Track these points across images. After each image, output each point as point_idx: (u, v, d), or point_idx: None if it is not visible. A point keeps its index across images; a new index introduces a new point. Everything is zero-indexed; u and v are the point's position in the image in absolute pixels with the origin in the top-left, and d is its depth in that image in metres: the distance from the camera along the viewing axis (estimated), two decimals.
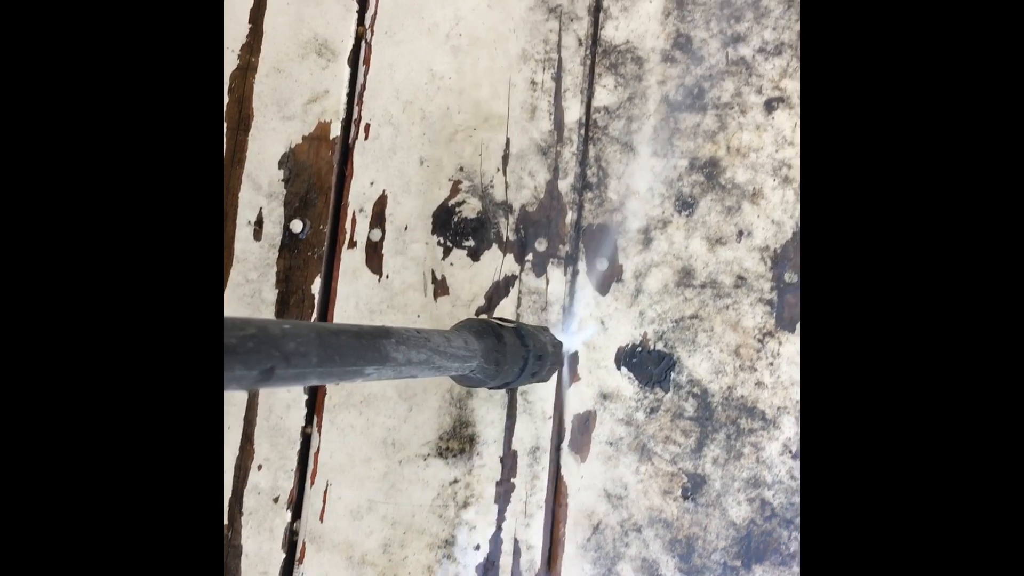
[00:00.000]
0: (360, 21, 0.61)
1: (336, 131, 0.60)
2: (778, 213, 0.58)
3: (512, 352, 0.43)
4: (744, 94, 0.59)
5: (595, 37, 0.60)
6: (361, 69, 0.61)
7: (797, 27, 0.60)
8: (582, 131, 0.60)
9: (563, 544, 0.56)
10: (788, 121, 0.59)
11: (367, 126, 0.60)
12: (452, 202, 0.59)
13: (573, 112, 0.60)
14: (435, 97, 0.60)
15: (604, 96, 0.60)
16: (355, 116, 0.60)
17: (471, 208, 0.59)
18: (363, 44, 0.60)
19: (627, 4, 0.60)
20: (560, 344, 0.51)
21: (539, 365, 0.46)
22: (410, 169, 0.60)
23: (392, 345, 0.33)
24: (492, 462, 0.57)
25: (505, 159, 0.60)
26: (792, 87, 0.59)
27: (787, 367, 0.55)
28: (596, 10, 0.60)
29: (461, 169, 0.59)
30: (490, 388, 0.45)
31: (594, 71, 0.61)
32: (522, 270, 0.59)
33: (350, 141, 0.60)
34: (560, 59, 0.61)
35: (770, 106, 0.59)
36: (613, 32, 0.60)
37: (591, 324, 0.57)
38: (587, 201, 0.59)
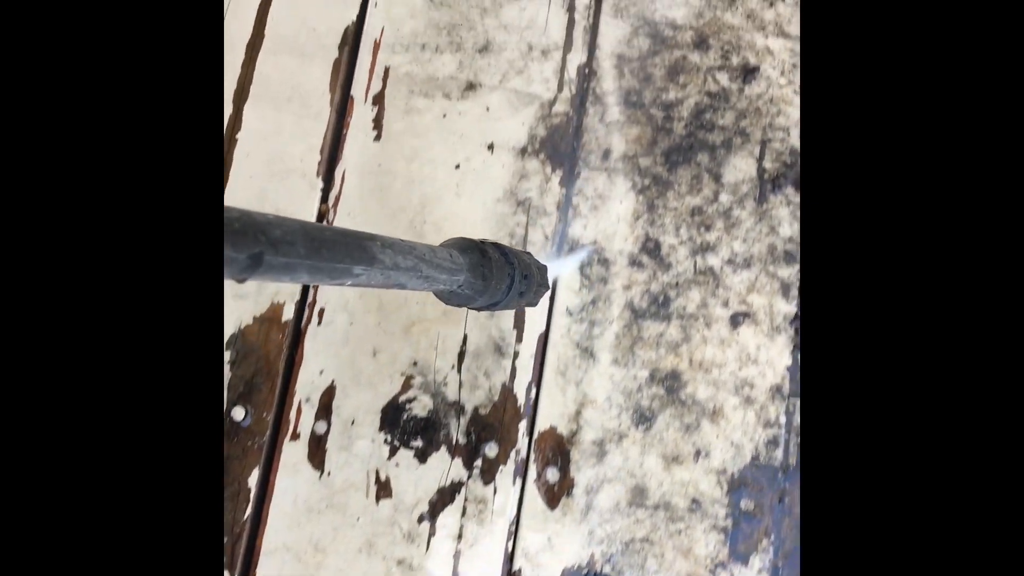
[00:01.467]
0: (324, 199, 0.60)
1: (289, 313, 0.58)
2: (738, 435, 0.56)
3: (498, 268, 0.43)
4: (710, 306, 0.58)
5: (563, 235, 0.59)
6: None
7: (768, 240, 0.59)
8: (543, 334, 0.58)
9: None
10: (753, 338, 0.58)
11: (321, 310, 0.58)
12: (403, 398, 0.57)
13: (534, 315, 0.59)
14: None
15: (568, 297, 0.59)
16: (310, 299, 0.58)
17: (422, 406, 0.57)
18: (324, 223, 0.59)
19: (597, 203, 0.60)
20: (545, 268, 0.50)
21: (526, 284, 0.46)
22: (362, 359, 0.58)
23: (378, 247, 0.33)
24: None
25: (461, 356, 0.58)
26: (759, 302, 0.58)
27: None
28: (565, 206, 0.60)
29: (415, 363, 0.58)
30: (479, 309, 0.44)
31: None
32: (470, 476, 0.56)
33: (302, 325, 0.58)
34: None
35: (736, 320, 0.58)
36: (581, 231, 0.59)
37: (578, 251, 0.59)
38: (543, 407, 0.57)
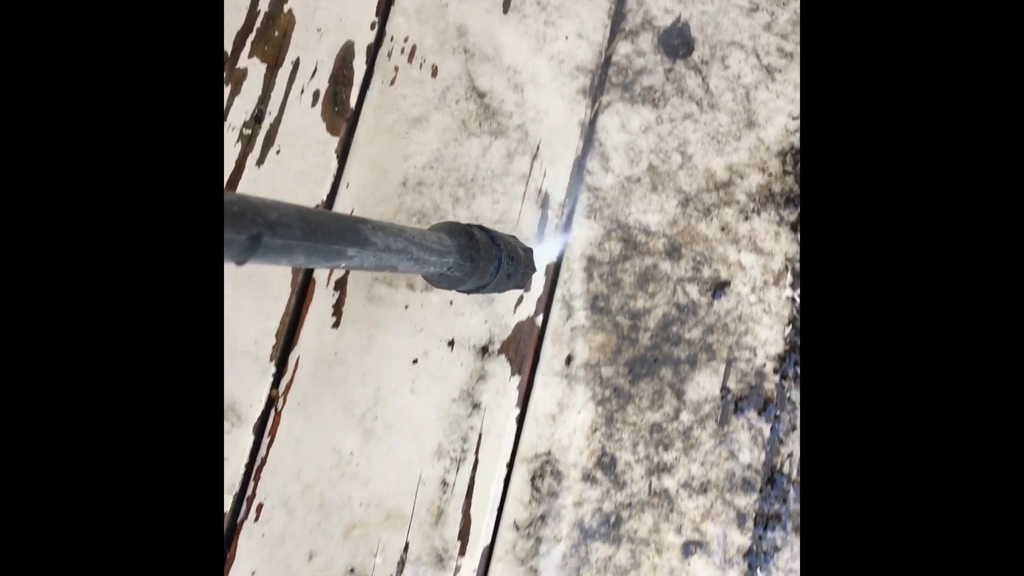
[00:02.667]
0: (275, 383, 0.58)
1: (226, 506, 0.56)
2: None
3: (485, 250, 0.44)
4: (663, 531, 0.56)
5: (515, 445, 0.58)
6: (265, 440, 0.57)
7: (727, 466, 0.58)
8: (487, 547, 0.56)
9: None
10: (704, 570, 0.55)
11: (260, 506, 0.56)
12: None
13: (480, 527, 0.57)
14: (338, 483, 0.57)
15: (516, 510, 0.57)
16: (249, 492, 0.56)
17: None
18: (273, 410, 0.57)
19: (555, 412, 0.58)
20: (531, 250, 0.51)
21: (513, 266, 0.47)
22: (297, 563, 0.55)
23: (370, 230, 0.33)
24: None
25: (401, 565, 0.56)
26: (713, 532, 0.56)
27: None
28: (520, 419, 0.58)
29: (352, 571, 0.55)
30: (468, 292, 0.46)
31: (509, 481, 0.58)
32: None
33: (238, 520, 0.56)
34: (477, 459, 0.58)
35: (688, 550, 0.56)
36: (535, 439, 0.58)
37: (560, 235, 0.61)
38: None
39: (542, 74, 0.64)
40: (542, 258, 0.61)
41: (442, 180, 0.62)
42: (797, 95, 0.63)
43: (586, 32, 0.65)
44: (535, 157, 0.63)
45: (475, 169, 0.62)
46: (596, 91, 0.64)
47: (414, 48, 0.64)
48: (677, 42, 0.64)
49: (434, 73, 0.64)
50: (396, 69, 0.64)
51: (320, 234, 0.29)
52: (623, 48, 0.64)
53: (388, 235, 0.35)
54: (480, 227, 0.46)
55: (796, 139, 0.63)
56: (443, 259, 0.40)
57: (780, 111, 0.63)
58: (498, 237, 0.46)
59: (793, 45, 0.64)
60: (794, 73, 0.64)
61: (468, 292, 0.46)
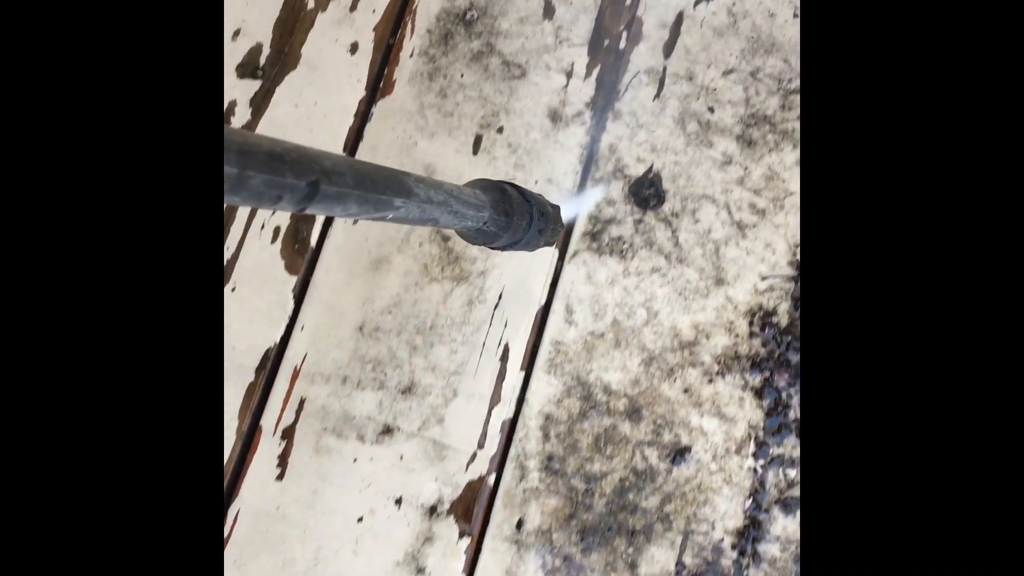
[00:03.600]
0: None
1: None
2: None
3: (518, 205, 0.44)
4: None
5: None
6: None
7: None
8: None
9: None
10: None
11: None
12: None
13: None
14: None
15: None
16: None
17: None
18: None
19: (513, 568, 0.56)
20: (558, 208, 0.51)
21: (544, 222, 0.47)
22: None
23: (413, 182, 0.34)
24: None
25: None
26: None
27: None
28: None
29: None
30: (502, 248, 0.46)
31: None
32: None
33: None
34: None
35: None
36: None
37: (590, 192, 0.62)
38: None
39: None
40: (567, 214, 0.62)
41: (400, 326, 0.61)
42: (767, 252, 0.62)
43: (556, 178, 0.64)
44: (496, 307, 0.61)
45: (435, 316, 0.61)
46: (563, 240, 0.62)
47: None
48: (648, 192, 0.64)
49: None
50: None
51: (369, 183, 0.30)
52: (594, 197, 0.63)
53: (429, 187, 0.35)
54: (511, 183, 0.46)
55: (765, 299, 0.62)
56: (479, 213, 0.41)
57: (750, 269, 0.62)
58: (528, 193, 0.47)
59: (766, 202, 0.63)
60: (765, 230, 0.63)
61: (503, 248, 0.46)
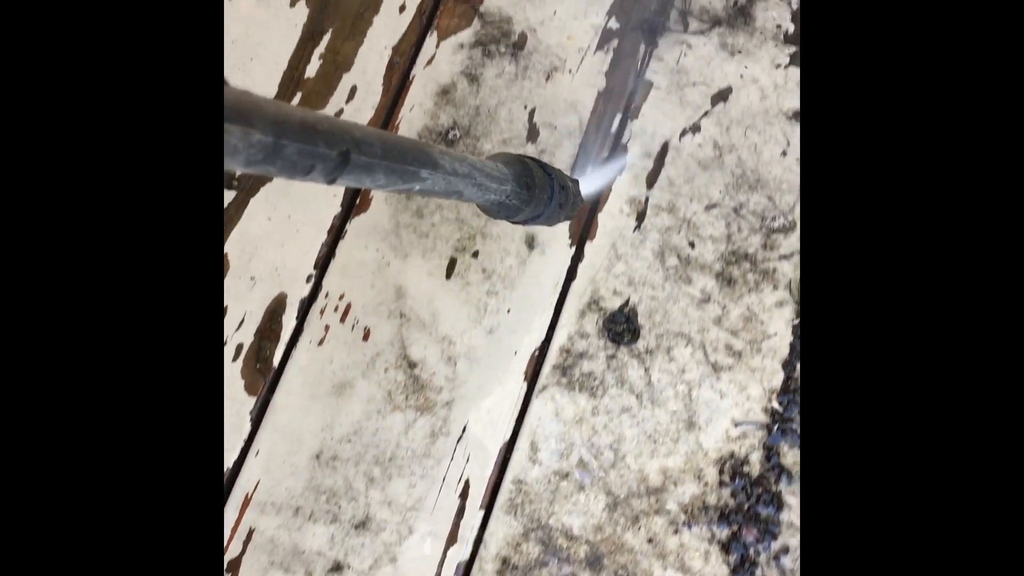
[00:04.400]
0: None
1: None
2: None
3: (539, 178, 0.45)
4: None
5: None
6: None
7: None
8: None
9: None
10: None
11: None
12: None
13: None
14: None
15: None
16: None
17: None
18: None
19: None
20: (578, 182, 0.52)
21: (564, 195, 0.48)
22: None
23: (438, 154, 0.35)
24: None
25: None
26: None
27: None
28: None
29: None
30: (524, 223, 0.47)
31: None
32: None
33: None
34: None
35: None
36: None
37: (610, 163, 0.62)
38: None
39: (478, 348, 0.61)
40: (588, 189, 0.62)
41: (359, 456, 0.59)
42: (742, 397, 0.61)
43: (531, 304, 0.62)
44: (460, 439, 0.60)
45: (395, 447, 0.59)
46: (534, 373, 0.61)
47: (348, 307, 0.62)
48: (623, 327, 0.62)
49: (366, 336, 0.61)
50: (327, 328, 0.61)
51: (397, 153, 0.31)
52: (567, 329, 0.62)
53: (454, 160, 0.36)
54: (531, 158, 0.47)
55: (737, 446, 0.60)
56: (502, 186, 0.41)
57: (723, 414, 0.60)
58: (549, 168, 0.48)
59: (743, 343, 0.62)
60: (741, 374, 0.61)
61: (523, 223, 0.47)
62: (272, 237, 0.63)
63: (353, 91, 0.66)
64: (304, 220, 0.64)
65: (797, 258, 0.64)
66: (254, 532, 0.58)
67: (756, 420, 0.61)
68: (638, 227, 0.64)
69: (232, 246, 0.63)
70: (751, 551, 0.58)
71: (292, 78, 0.66)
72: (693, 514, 0.59)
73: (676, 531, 0.59)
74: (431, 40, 0.68)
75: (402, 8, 0.68)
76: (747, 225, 0.64)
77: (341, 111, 0.66)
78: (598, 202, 0.64)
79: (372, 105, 0.66)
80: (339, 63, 0.67)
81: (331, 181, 0.28)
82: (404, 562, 0.57)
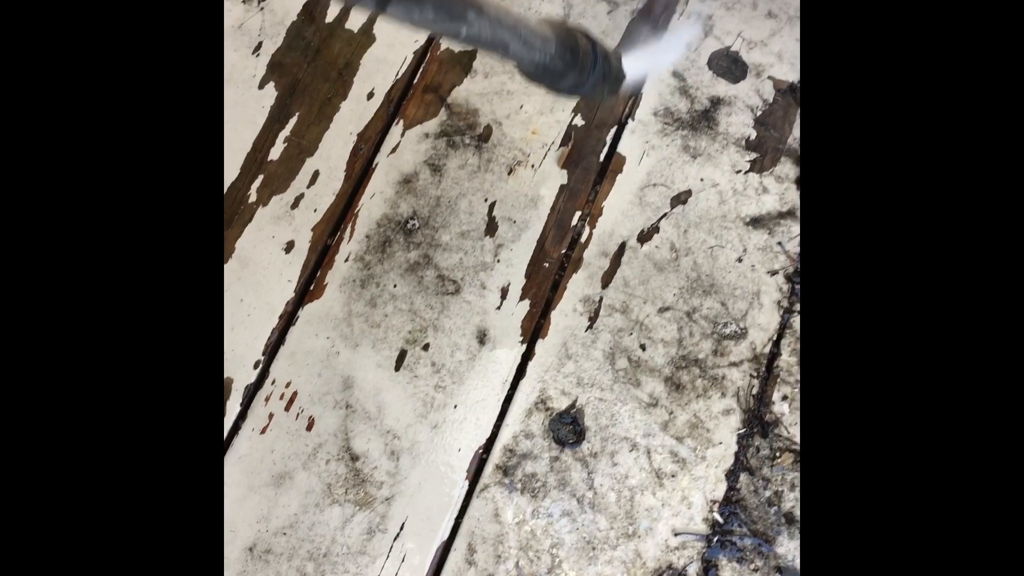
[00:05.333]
0: None
1: None
2: None
3: (584, 45, 0.44)
4: None
5: None
6: None
7: None
8: None
9: None
10: None
11: None
12: None
13: None
14: None
15: None
16: None
17: None
18: None
19: None
20: (620, 55, 0.50)
21: (607, 65, 0.47)
22: None
23: (483, 0, 0.35)
24: None
25: None
26: None
27: None
28: None
29: None
30: (568, 92, 0.46)
31: None
32: None
33: None
34: None
35: None
36: None
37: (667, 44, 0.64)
38: None
39: (422, 443, 0.61)
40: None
41: (293, 550, 0.59)
42: (683, 506, 0.61)
43: (477, 404, 0.62)
44: (397, 538, 0.59)
45: (331, 543, 0.59)
46: (476, 471, 0.61)
47: (295, 395, 0.62)
48: (568, 428, 0.62)
49: (310, 426, 0.61)
50: (271, 416, 0.61)
51: None
52: (512, 428, 0.62)
53: (499, 9, 0.36)
54: (577, 26, 0.46)
55: (675, 556, 0.60)
56: (547, 44, 0.41)
57: (663, 522, 0.60)
58: (593, 37, 0.46)
59: (688, 451, 0.62)
60: (684, 481, 0.61)
61: (566, 92, 0.46)
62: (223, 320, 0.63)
63: (315, 176, 0.67)
64: (256, 304, 0.64)
65: (747, 365, 0.64)
66: None
67: (696, 531, 0.60)
68: (590, 327, 0.64)
69: None
70: None
71: (255, 160, 0.67)
72: None
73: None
74: (396, 128, 0.68)
75: (370, 95, 0.69)
76: (699, 330, 0.65)
77: (302, 195, 0.66)
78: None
79: (333, 191, 0.67)
80: (303, 147, 0.67)
81: (381, 10, 0.30)
82: None
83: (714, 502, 0.61)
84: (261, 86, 0.69)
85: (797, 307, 0.65)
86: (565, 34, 0.44)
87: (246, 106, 0.68)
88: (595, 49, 0.46)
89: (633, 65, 0.55)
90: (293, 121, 0.68)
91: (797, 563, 0.59)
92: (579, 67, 0.44)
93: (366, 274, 0.65)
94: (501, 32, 0.37)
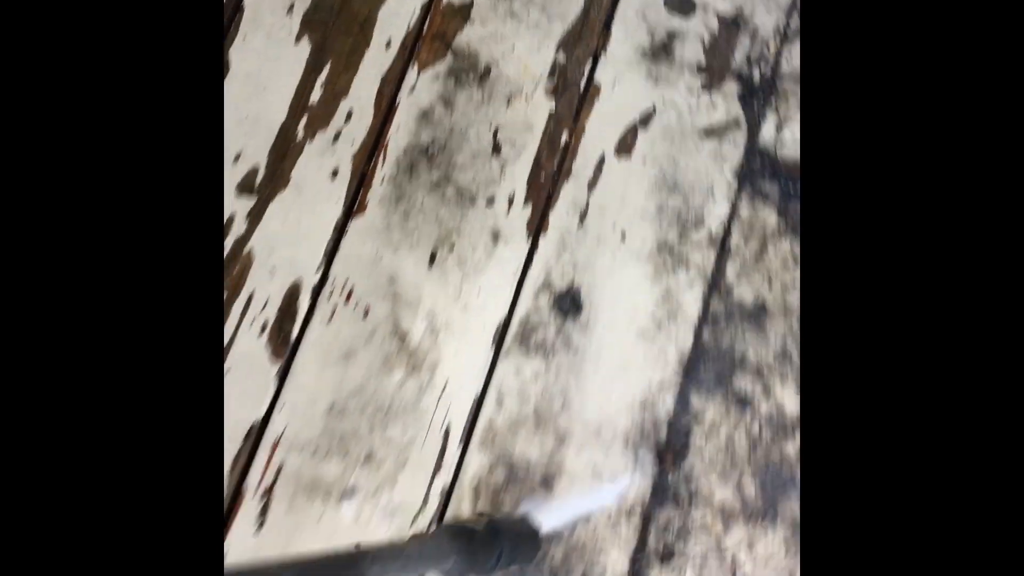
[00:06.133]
0: None
1: None
2: None
3: (483, 547, 0.48)
4: None
5: None
6: None
7: None
8: None
9: None
10: None
11: None
12: None
13: None
14: None
15: None
16: None
17: None
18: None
19: None
20: (537, 532, 0.56)
21: (515, 553, 0.51)
22: None
23: (368, 563, 0.38)
24: None
25: None
26: None
27: None
28: None
29: None
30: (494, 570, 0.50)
31: None
32: None
33: None
34: None
35: None
36: None
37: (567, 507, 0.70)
38: None
39: (455, 321, 0.78)
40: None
41: (363, 407, 0.76)
42: (660, 359, 0.78)
43: (496, 289, 0.79)
44: (442, 394, 0.76)
45: (391, 400, 0.76)
46: (499, 340, 0.78)
47: (351, 291, 0.78)
48: (568, 303, 0.79)
49: (366, 314, 0.78)
50: (334, 308, 0.77)
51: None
52: (525, 306, 0.79)
53: (386, 562, 0.38)
54: (489, 520, 0.51)
55: (656, 395, 0.78)
56: (443, 564, 0.44)
57: (642, 371, 0.78)
58: (502, 531, 0.50)
59: (663, 312, 0.80)
60: (661, 337, 0.79)
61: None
62: (287, 237, 0.79)
63: (350, 114, 0.82)
64: (312, 223, 0.79)
65: (705, 245, 0.81)
66: (283, 467, 0.74)
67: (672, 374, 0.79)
68: (581, 224, 0.81)
69: (255, 243, 0.78)
70: (664, 525, 0.77)
71: (299, 104, 0.81)
72: (634, 443, 0.77)
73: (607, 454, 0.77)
74: (412, 72, 0.83)
75: (388, 44, 0.84)
76: (666, 220, 0.82)
77: (340, 131, 0.81)
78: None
79: (366, 126, 0.82)
80: (338, 91, 0.82)
81: None
82: (400, 487, 0.75)
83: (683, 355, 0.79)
84: (296, 41, 0.83)
85: (743, 197, 0.82)
86: (465, 545, 0.46)
87: (288, 59, 0.82)
88: (501, 547, 0.49)
89: (550, 516, 0.63)
90: (327, 69, 0.82)
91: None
92: (477, 566, 0.47)
93: (399, 192, 0.81)
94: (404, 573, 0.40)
